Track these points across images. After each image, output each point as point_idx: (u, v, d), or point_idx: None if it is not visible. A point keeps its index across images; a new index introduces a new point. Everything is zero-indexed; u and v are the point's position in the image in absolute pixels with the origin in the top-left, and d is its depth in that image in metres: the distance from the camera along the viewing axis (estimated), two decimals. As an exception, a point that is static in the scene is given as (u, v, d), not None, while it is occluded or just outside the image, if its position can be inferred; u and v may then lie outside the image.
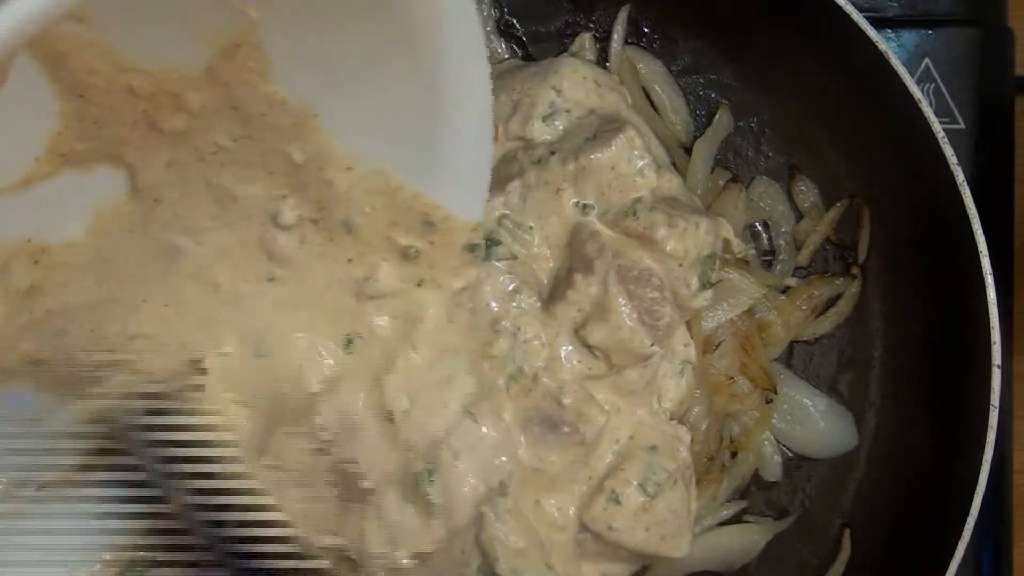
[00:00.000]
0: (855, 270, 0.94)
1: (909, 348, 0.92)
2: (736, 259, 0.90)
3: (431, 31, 0.64)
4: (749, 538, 0.93)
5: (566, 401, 0.82)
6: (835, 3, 0.81)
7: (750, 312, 0.91)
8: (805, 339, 0.95)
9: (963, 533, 0.80)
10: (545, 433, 0.81)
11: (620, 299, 0.82)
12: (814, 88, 0.91)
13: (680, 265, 0.83)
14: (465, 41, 0.66)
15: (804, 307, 0.93)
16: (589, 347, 0.83)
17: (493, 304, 0.82)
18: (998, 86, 0.95)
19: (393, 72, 0.66)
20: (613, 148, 0.83)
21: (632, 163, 0.84)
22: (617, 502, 0.82)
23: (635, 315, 0.82)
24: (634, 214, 0.83)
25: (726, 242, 0.87)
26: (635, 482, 0.82)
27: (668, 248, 0.82)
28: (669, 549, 0.84)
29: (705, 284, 0.84)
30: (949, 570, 0.80)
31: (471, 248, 0.76)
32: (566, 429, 0.82)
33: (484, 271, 0.81)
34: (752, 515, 0.94)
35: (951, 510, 0.81)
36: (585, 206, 0.84)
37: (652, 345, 0.83)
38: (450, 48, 0.66)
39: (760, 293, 0.91)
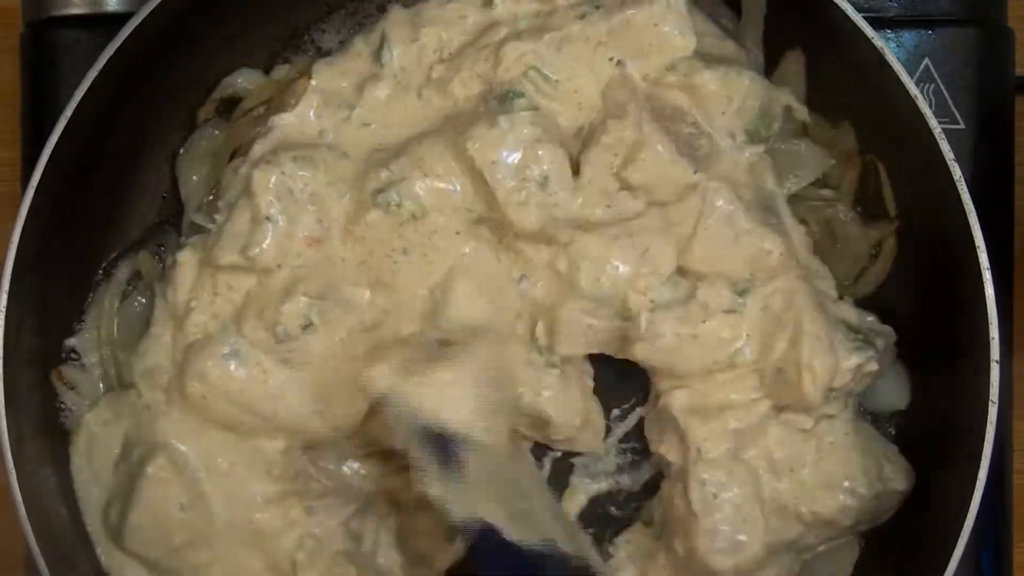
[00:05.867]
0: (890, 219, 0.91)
1: (909, 346, 0.91)
2: (800, 127, 0.89)
3: None
4: None
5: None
6: (834, 3, 0.82)
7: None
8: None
9: (963, 533, 0.80)
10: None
11: (656, 135, 0.81)
12: (813, 89, 0.91)
13: (723, 113, 0.82)
14: None
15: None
16: (630, 188, 0.82)
17: (516, 156, 0.80)
18: (998, 86, 0.95)
19: None
20: (656, 5, 0.82)
21: (675, 24, 0.82)
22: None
23: (673, 147, 0.81)
24: (674, 68, 0.82)
25: (787, 109, 0.85)
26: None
27: (707, 90, 0.81)
28: None
29: (754, 139, 0.83)
30: (949, 570, 0.80)
31: None
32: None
33: (506, 122, 0.80)
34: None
35: (951, 510, 0.81)
36: (620, 62, 0.83)
37: (696, 173, 0.81)
38: None
39: (828, 164, 0.90)
